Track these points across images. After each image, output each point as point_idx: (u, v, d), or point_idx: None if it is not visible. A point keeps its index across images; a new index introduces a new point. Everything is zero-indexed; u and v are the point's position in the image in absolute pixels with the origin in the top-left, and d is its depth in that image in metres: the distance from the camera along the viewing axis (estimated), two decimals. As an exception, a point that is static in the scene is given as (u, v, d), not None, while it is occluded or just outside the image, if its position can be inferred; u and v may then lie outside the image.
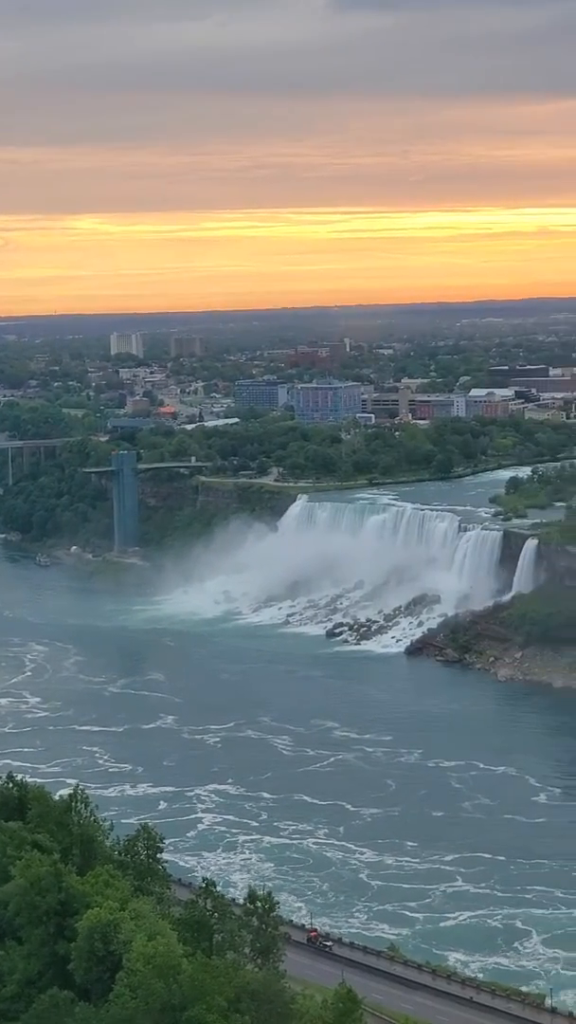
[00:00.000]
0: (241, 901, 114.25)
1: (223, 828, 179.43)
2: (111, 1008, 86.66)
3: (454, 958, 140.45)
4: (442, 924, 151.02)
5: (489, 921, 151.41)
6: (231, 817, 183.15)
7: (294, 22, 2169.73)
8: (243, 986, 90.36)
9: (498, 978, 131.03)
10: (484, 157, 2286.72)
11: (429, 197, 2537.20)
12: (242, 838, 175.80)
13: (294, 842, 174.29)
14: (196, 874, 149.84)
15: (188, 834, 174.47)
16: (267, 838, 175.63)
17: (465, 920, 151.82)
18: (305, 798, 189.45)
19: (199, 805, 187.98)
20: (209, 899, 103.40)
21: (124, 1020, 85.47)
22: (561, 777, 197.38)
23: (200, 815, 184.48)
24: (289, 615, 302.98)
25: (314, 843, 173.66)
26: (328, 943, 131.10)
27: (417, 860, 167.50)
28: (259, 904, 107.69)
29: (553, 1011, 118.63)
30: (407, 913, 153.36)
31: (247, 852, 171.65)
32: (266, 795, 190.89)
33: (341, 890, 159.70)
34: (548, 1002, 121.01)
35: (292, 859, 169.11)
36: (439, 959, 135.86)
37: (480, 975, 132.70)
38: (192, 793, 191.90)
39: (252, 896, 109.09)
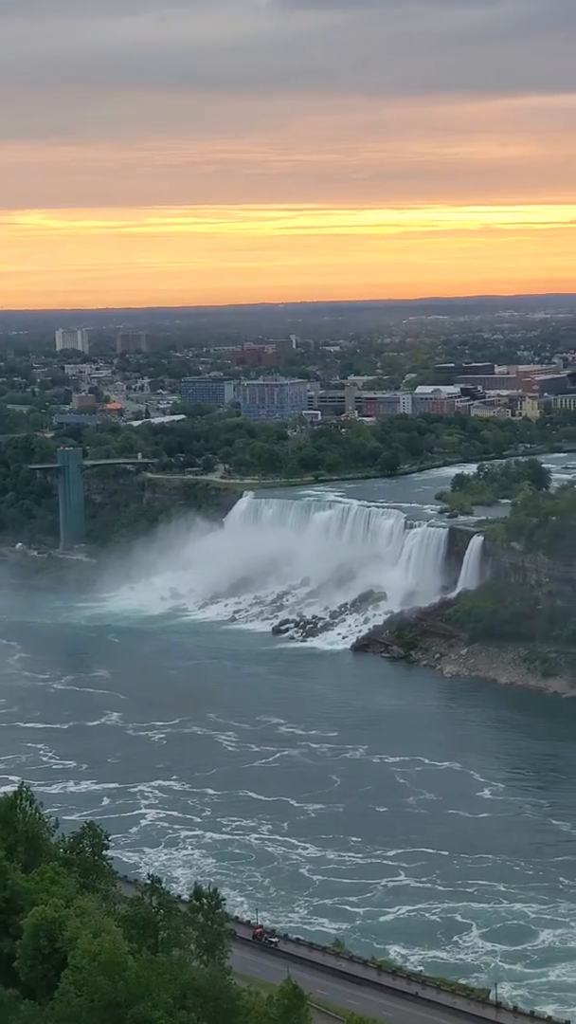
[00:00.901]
0: (184, 897, 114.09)
1: (165, 824, 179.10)
2: (56, 1006, 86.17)
3: (395, 951, 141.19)
4: (382, 918, 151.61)
5: (430, 915, 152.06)
6: (174, 813, 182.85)
7: (238, 19, 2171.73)
8: (188, 983, 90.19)
9: (438, 971, 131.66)
10: (429, 155, 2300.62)
11: (375, 194, 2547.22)
12: (184, 834, 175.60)
13: (236, 838, 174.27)
14: (140, 870, 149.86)
15: (130, 830, 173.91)
16: (210, 834, 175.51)
17: (405, 914, 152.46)
18: (250, 794, 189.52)
19: (142, 801, 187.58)
20: (155, 896, 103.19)
21: (69, 1018, 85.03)
22: (505, 772, 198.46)
23: (143, 811, 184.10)
24: (235, 612, 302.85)
25: (257, 839, 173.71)
26: (274, 939, 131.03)
27: (360, 855, 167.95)
28: (205, 901, 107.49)
29: (498, 1006, 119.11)
30: (347, 908, 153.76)
31: (189, 848, 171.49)
32: (211, 791, 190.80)
33: (282, 885, 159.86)
34: (493, 996, 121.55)
35: (234, 855, 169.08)
36: (380, 953, 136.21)
37: (421, 968, 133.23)
38: (136, 789, 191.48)
39: (198, 893, 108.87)
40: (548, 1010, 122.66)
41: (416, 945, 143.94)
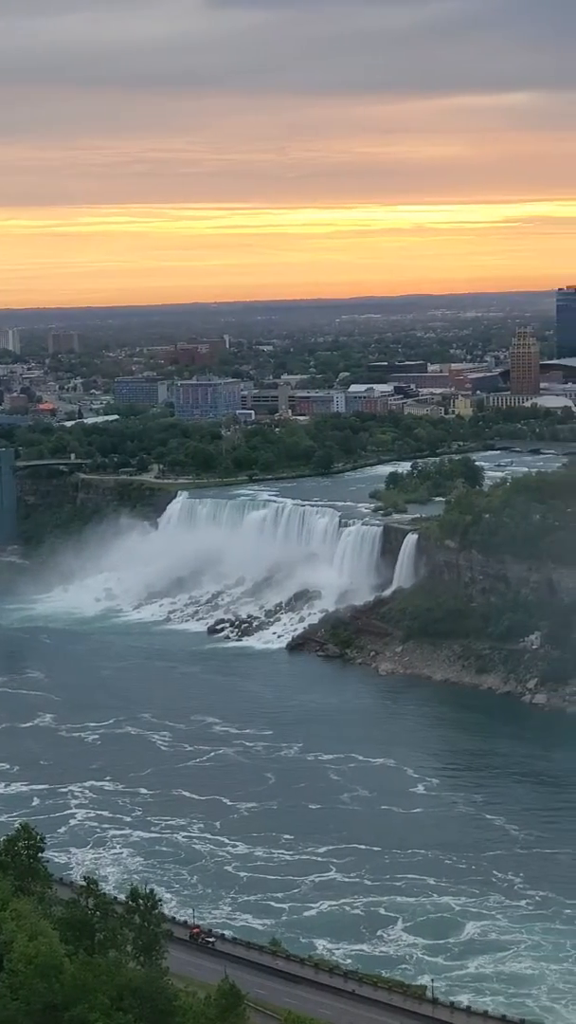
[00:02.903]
0: (116, 897, 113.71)
1: (95, 824, 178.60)
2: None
3: (321, 945, 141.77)
4: (307, 914, 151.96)
5: (356, 909, 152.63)
6: (104, 813, 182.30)
7: (169, 18, 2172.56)
8: (125, 984, 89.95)
9: (363, 965, 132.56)
10: (361, 154, 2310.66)
11: (307, 194, 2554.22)
12: (113, 833, 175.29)
13: (165, 836, 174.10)
14: (70, 871, 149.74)
15: (59, 830, 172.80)
16: (138, 833, 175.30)
17: (332, 909, 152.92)
18: (184, 793, 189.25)
19: (72, 802, 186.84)
20: (91, 898, 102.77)
21: (5, 1021, 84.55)
22: (439, 768, 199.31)
23: (73, 811, 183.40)
24: (170, 612, 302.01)
25: (186, 837, 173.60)
26: (211, 939, 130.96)
27: (291, 852, 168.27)
28: (141, 902, 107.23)
29: (435, 1002, 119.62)
30: (273, 904, 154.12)
31: (117, 847, 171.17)
32: (144, 791, 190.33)
33: (209, 883, 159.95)
34: (429, 993, 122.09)
35: (162, 853, 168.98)
36: (305, 948, 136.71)
37: (349, 961, 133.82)
38: (66, 790, 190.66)
39: (134, 894, 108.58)
40: (464, 1000, 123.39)
41: (341, 939, 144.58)
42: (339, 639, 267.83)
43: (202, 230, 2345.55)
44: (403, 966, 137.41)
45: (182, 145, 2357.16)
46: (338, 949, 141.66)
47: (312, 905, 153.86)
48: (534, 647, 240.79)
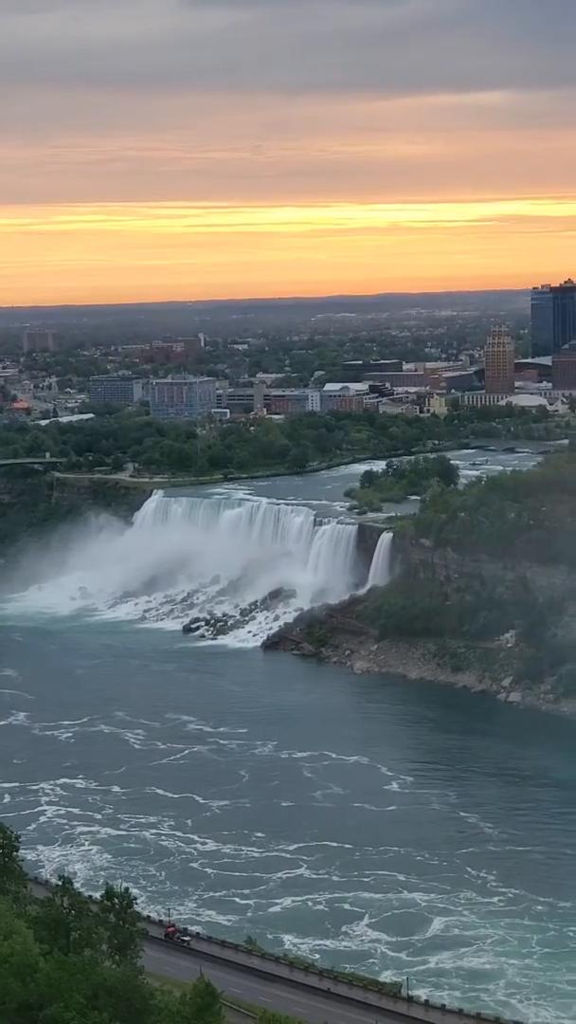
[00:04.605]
0: (90, 896, 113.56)
1: (64, 821, 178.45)
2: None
3: (287, 940, 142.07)
4: (273, 910, 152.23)
5: (322, 906, 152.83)
6: (75, 810, 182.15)
7: (147, 17, 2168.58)
8: (101, 983, 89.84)
9: (327, 959, 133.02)
10: (337, 153, 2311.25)
11: (283, 192, 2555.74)
12: (81, 830, 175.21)
13: (135, 833, 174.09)
14: (40, 868, 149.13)
15: (28, 828, 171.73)
16: (107, 830, 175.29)
17: (297, 905, 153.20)
18: (156, 791, 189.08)
19: (43, 799, 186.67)
20: (66, 897, 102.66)
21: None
22: (414, 766, 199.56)
23: (43, 808, 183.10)
24: (145, 611, 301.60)
25: (155, 834, 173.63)
26: (186, 938, 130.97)
27: (261, 849, 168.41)
28: (116, 901, 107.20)
29: (409, 1000, 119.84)
30: (239, 900, 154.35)
31: (86, 844, 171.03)
32: (116, 789, 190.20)
33: (176, 879, 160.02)
34: (404, 991, 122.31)
35: (131, 850, 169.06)
36: (271, 944, 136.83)
37: (317, 957, 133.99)
38: (38, 788, 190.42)
39: (109, 893, 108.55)
40: (422, 994, 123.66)
41: (307, 935, 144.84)
42: (314, 638, 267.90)
43: (178, 228, 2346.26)
44: (368, 961, 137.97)
45: (159, 143, 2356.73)
46: (303, 944, 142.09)
47: (278, 901, 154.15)
48: (509, 645, 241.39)
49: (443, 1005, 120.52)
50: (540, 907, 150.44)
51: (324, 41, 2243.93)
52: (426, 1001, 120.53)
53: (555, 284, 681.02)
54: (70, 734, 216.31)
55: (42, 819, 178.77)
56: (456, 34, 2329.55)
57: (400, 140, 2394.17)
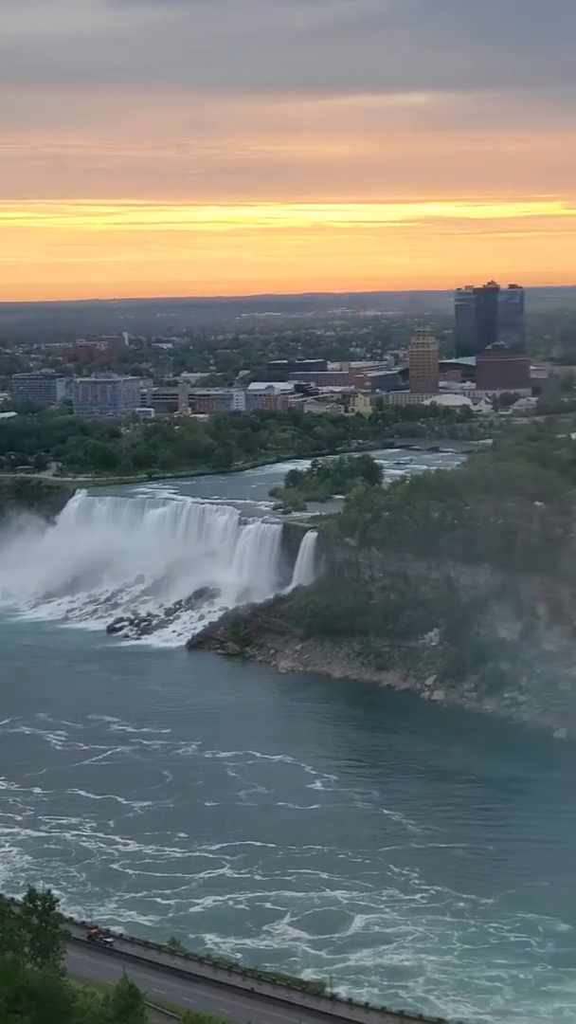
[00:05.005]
0: (13, 899, 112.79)
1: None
2: None
3: (208, 940, 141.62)
4: (195, 909, 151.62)
5: (243, 905, 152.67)
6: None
7: (71, 15, 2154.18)
8: (23, 985, 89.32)
9: (248, 958, 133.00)
10: (261, 152, 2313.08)
11: (207, 191, 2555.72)
12: (2, 832, 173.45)
13: (55, 835, 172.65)
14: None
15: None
16: (27, 831, 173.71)
17: (218, 904, 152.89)
18: (79, 792, 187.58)
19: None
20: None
21: None
22: (338, 765, 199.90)
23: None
24: (69, 611, 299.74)
25: (76, 835, 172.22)
26: (109, 939, 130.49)
27: (183, 849, 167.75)
28: (38, 903, 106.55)
29: (333, 998, 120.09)
30: (160, 900, 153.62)
31: (7, 846, 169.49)
32: (38, 790, 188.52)
33: (96, 880, 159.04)
34: (327, 990, 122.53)
35: (51, 851, 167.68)
36: (192, 943, 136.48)
37: (239, 956, 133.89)
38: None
39: (31, 895, 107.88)
40: (342, 991, 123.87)
41: (228, 934, 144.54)
42: (239, 637, 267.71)
43: (101, 226, 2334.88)
44: (289, 959, 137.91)
45: (82, 141, 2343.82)
46: (225, 944, 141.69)
47: (199, 901, 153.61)
48: (433, 644, 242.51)
49: (367, 1003, 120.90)
50: (462, 904, 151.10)
51: (248, 41, 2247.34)
52: (349, 1000, 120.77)
53: (478, 285, 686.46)
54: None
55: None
56: (380, 35, 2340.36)
57: (325, 140, 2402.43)
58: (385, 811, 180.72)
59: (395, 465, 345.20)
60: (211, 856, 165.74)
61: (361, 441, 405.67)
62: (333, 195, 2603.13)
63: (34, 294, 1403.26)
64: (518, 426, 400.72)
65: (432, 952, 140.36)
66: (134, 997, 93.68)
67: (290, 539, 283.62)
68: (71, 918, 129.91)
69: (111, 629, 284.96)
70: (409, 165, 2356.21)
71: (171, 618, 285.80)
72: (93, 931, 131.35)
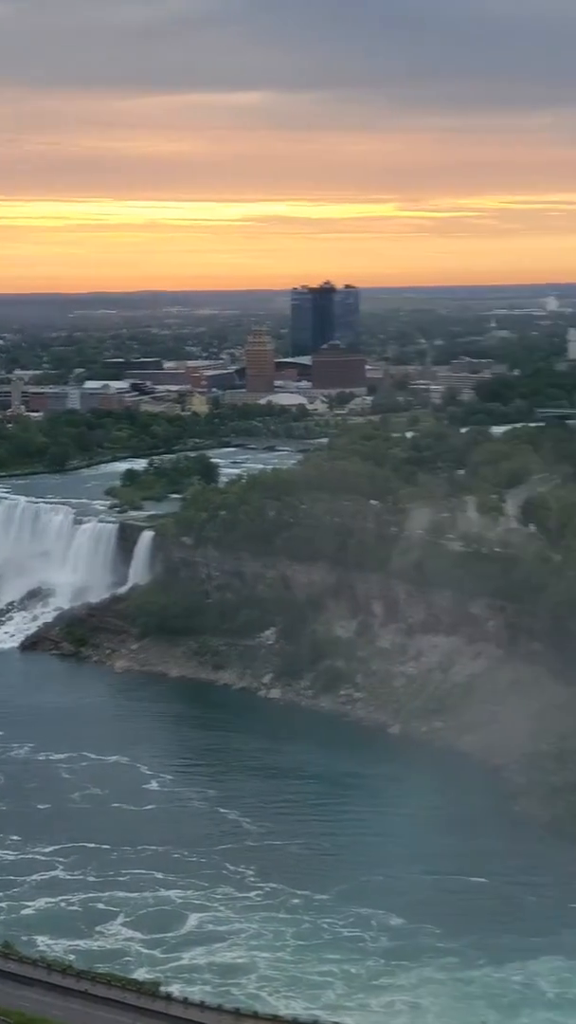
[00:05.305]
0: None
1: None
2: None
3: (40, 942, 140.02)
4: (26, 912, 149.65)
5: (75, 906, 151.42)
6: None
7: None
8: None
9: (81, 959, 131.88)
10: (95, 148, 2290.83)
11: (40, 186, 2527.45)
12: None
13: None
14: None
15: None
16: None
17: (50, 906, 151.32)
18: None
19: None
20: None
21: None
22: (174, 764, 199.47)
23: None
24: None
25: None
26: None
27: (15, 852, 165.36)
28: None
29: (168, 997, 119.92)
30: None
31: None
32: None
33: None
34: (163, 989, 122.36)
35: None
36: (24, 946, 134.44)
37: (73, 958, 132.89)
38: None
39: None
40: (175, 990, 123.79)
41: (60, 936, 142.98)
42: (74, 637, 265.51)
43: None
44: (122, 959, 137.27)
45: None
46: (57, 945, 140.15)
47: (31, 903, 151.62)
48: (269, 643, 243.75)
49: (202, 1002, 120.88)
50: (296, 900, 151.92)
51: (83, 36, 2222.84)
52: (185, 999, 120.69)
53: (314, 285, 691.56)
54: None
55: None
56: (217, 33, 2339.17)
57: (159, 137, 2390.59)
58: (221, 810, 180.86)
59: (232, 464, 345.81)
60: (43, 858, 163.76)
61: (198, 440, 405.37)
62: (168, 192, 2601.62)
63: None
64: (353, 425, 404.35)
65: (265, 949, 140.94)
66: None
67: (126, 538, 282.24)
68: None
69: None
70: (246, 164, 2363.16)
71: (3, 619, 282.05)
72: None
